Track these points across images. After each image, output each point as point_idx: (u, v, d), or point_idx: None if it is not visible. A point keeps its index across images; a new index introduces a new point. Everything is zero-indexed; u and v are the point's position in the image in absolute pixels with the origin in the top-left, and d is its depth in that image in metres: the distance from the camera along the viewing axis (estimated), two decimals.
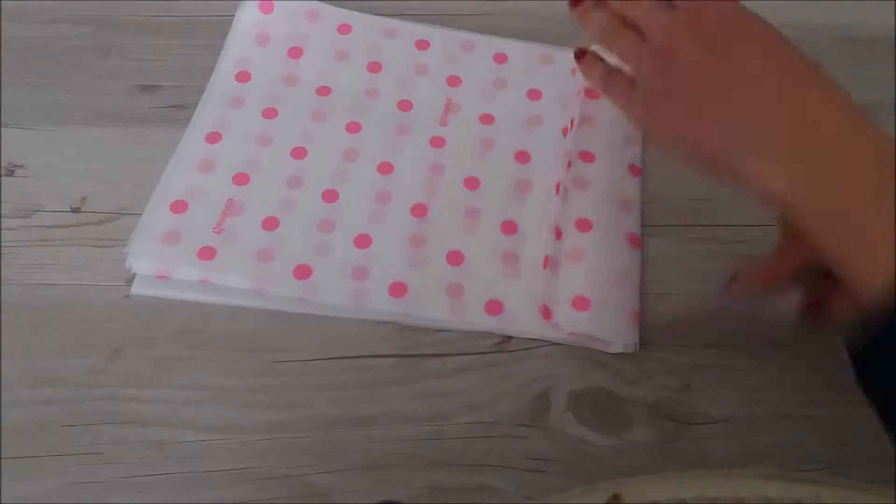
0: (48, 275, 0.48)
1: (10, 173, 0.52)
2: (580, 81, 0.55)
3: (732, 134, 0.37)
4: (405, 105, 0.55)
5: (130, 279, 0.48)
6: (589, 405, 0.45)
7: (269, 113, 0.54)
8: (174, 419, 0.44)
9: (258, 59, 0.57)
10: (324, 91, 0.56)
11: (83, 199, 0.51)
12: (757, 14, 0.40)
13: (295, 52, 0.57)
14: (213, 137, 0.53)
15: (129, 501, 0.41)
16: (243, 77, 0.56)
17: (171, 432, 0.43)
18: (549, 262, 0.48)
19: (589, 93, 0.56)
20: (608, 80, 0.43)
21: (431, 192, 0.51)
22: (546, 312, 0.47)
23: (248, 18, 0.58)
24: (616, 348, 0.46)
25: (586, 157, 0.53)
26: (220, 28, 0.59)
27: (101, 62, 0.57)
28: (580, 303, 0.47)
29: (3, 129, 0.54)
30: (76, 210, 0.51)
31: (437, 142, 0.54)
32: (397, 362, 0.46)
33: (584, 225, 0.50)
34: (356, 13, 0.59)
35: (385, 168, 0.52)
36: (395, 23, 0.59)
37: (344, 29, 0.59)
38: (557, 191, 0.51)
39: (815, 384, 0.45)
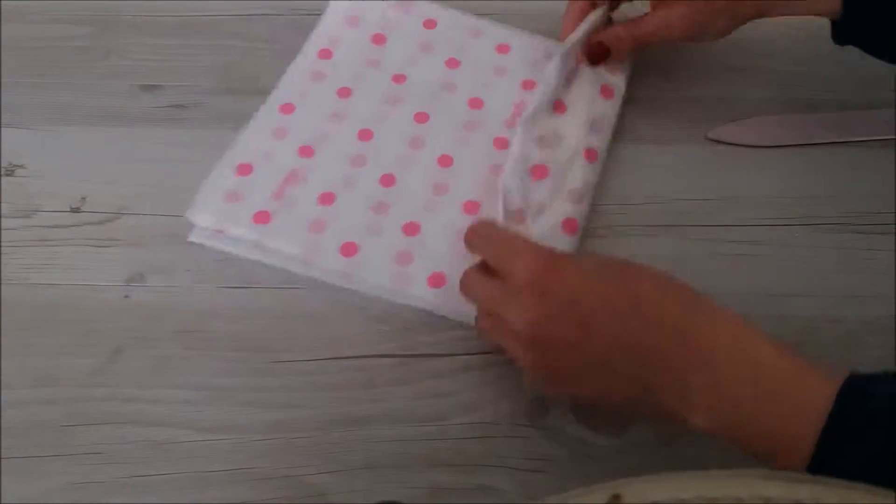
0: (48, 275, 0.48)
1: (10, 173, 0.52)
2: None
3: (645, 389, 0.37)
4: (476, 103, 0.56)
5: (130, 279, 0.48)
6: (589, 405, 0.45)
7: (345, 92, 0.55)
8: (174, 419, 0.44)
9: (344, 39, 0.58)
10: (400, 79, 0.56)
11: (83, 199, 0.51)
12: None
13: (379, 39, 0.58)
14: (287, 108, 0.54)
15: (128, 501, 0.41)
16: (326, 54, 0.57)
17: (171, 432, 0.43)
18: None
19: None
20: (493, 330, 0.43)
21: (487, 191, 0.52)
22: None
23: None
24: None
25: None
26: (219, 27, 0.59)
27: (101, 62, 0.57)
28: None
29: (3, 129, 0.54)
30: (76, 210, 0.51)
31: (501, 143, 0.54)
32: (397, 362, 0.46)
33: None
34: (445, 10, 0.60)
35: (446, 161, 0.53)
36: (481, 23, 0.60)
37: (430, 24, 0.59)
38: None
39: None
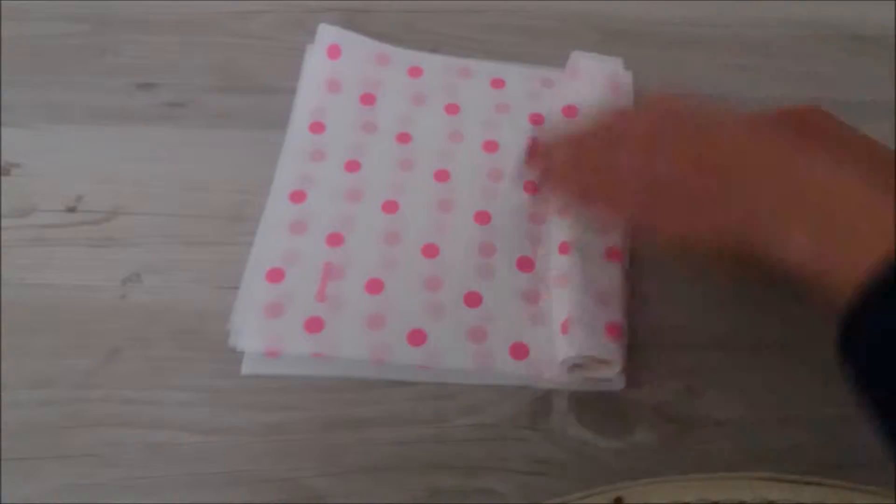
0: (44, 275, 0.48)
1: (6, 172, 0.52)
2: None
3: (749, 211, 0.38)
4: (491, 146, 0.53)
5: (127, 279, 0.48)
6: (591, 407, 0.45)
7: (353, 165, 0.52)
8: (171, 421, 0.43)
9: (331, 108, 0.55)
10: (404, 138, 0.54)
11: (79, 198, 0.51)
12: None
13: (368, 99, 0.55)
14: (298, 196, 0.50)
15: (126, 502, 0.41)
16: (317, 128, 0.54)
17: (169, 434, 0.43)
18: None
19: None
20: (582, 180, 0.44)
21: (536, 241, 0.50)
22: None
23: (316, 65, 0.56)
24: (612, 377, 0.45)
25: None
26: (216, 24, 0.59)
27: (98, 60, 0.57)
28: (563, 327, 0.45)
29: None
30: (72, 209, 0.50)
31: (531, 186, 0.51)
32: None
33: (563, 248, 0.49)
34: (426, 54, 0.58)
35: (482, 217, 0.50)
36: (469, 62, 0.58)
37: (415, 72, 0.57)
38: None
39: (818, 386, 0.45)
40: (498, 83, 0.57)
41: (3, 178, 0.51)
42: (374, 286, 0.47)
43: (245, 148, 0.53)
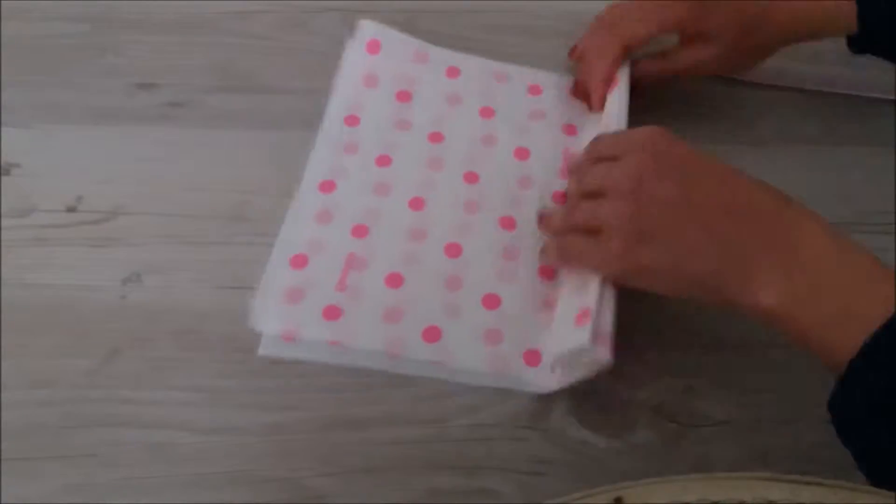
0: (44, 275, 0.48)
1: (6, 172, 0.52)
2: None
3: (728, 260, 0.39)
4: (522, 153, 0.53)
5: (126, 279, 0.48)
6: (591, 407, 0.45)
7: (384, 160, 0.52)
8: (171, 421, 0.43)
9: (367, 103, 0.55)
10: (437, 137, 0.54)
11: (79, 198, 0.51)
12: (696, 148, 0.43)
13: (404, 96, 0.55)
14: (327, 186, 0.51)
15: (126, 503, 0.41)
16: (353, 121, 0.54)
17: (169, 434, 0.43)
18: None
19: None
20: (568, 245, 0.45)
21: None
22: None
23: (355, 60, 0.56)
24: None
25: None
26: (216, 25, 0.59)
27: (98, 60, 0.57)
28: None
29: None
30: (72, 209, 0.50)
31: (559, 197, 0.52)
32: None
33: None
34: (465, 55, 0.58)
35: (507, 223, 0.50)
36: (507, 67, 0.58)
37: (453, 72, 0.57)
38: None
39: (818, 386, 0.45)
40: (535, 90, 0.57)
41: (3, 178, 0.51)
42: (395, 280, 0.47)
43: (245, 148, 0.53)
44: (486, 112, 0.55)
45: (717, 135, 0.56)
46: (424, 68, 0.57)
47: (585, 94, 0.55)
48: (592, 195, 0.44)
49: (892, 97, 0.57)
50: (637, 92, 0.54)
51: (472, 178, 0.52)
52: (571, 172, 0.49)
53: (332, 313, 0.46)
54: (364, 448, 0.43)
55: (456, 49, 0.59)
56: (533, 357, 0.45)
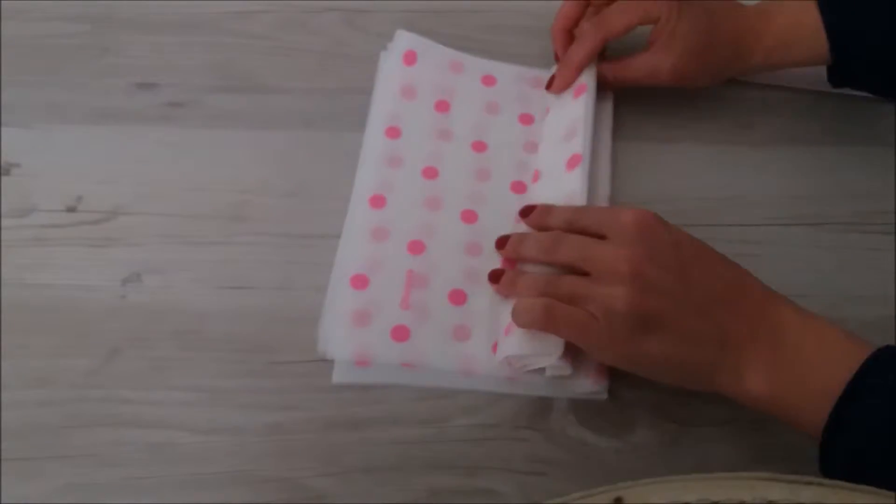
0: (44, 275, 0.48)
1: (6, 172, 0.52)
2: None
3: (721, 351, 0.40)
4: (574, 160, 0.51)
5: (126, 279, 0.48)
6: (591, 407, 0.45)
7: (430, 172, 0.52)
8: (171, 421, 0.43)
9: (407, 114, 0.54)
10: (480, 146, 0.53)
11: (79, 198, 0.51)
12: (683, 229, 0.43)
13: (443, 106, 0.55)
14: (377, 201, 0.50)
15: (126, 503, 0.41)
16: (394, 133, 0.53)
17: (169, 434, 0.43)
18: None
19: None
20: (559, 312, 0.42)
21: None
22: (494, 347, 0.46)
23: (392, 72, 0.56)
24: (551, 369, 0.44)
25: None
26: (216, 24, 0.59)
27: (97, 60, 0.57)
28: (508, 327, 0.44)
29: None
30: (72, 209, 0.50)
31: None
32: None
33: None
34: (499, 63, 0.57)
35: None
36: (541, 73, 0.57)
37: (489, 80, 0.57)
38: None
39: None
40: (580, 89, 0.55)
41: (3, 178, 0.51)
42: (458, 297, 0.47)
43: (245, 148, 0.53)
44: (526, 119, 0.55)
45: (717, 135, 0.56)
46: (460, 78, 0.57)
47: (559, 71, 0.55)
48: (572, 268, 0.43)
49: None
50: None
51: (519, 188, 0.52)
52: (533, 220, 0.47)
53: (400, 334, 0.46)
54: (364, 448, 0.43)
55: (456, 49, 0.59)
56: (602, 373, 0.45)
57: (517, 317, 0.42)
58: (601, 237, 0.43)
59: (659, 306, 0.40)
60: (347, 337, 0.45)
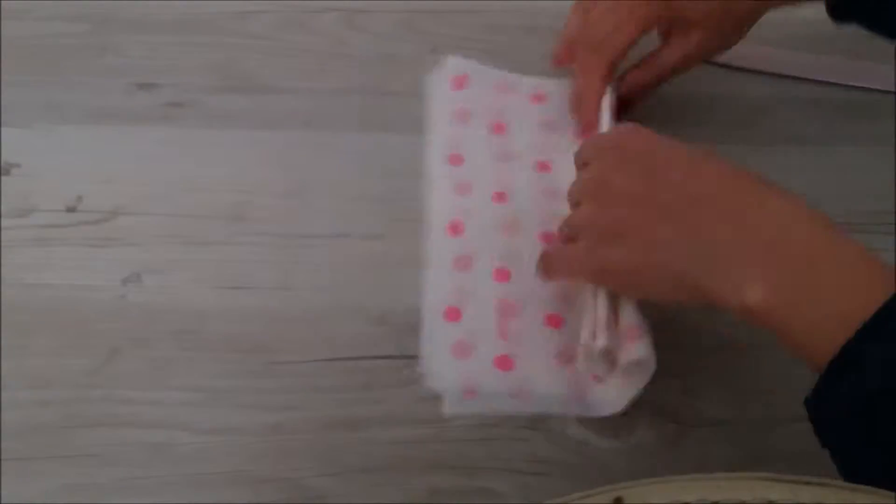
0: (44, 275, 0.48)
1: (6, 172, 0.52)
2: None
3: (703, 255, 0.37)
4: None
5: (126, 279, 0.48)
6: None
7: (501, 197, 0.52)
8: (171, 421, 0.43)
9: (465, 139, 0.54)
10: (545, 167, 0.53)
11: (79, 198, 0.51)
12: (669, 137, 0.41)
13: (499, 128, 0.55)
14: (455, 229, 0.50)
15: (126, 503, 0.41)
16: (457, 160, 0.53)
17: (168, 434, 0.43)
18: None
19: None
20: (546, 257, 0.43)
21: None
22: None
23: (443, 97, 0.56)
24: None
25: None
26: (216, 24, 0.59)
27: (97, 60, 0.57)
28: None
29: None
30: (72, 210, 0.50)
31: None
32: (396, 364, 0.46)
33: None
34: (546, 80, 0.57)
35: None
36: None
37: (539, 98, 0.56)
38: None
39: None
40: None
41: (3, 178, 0.51)
42: (554, 321, 0.47)
43: (245, 148, 0.54)
44: (580, 134, 0.54)
45: (717, 135, 0.56)
46: (511, 98, 0.56)
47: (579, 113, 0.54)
48: (575, 205, 0.44)
49: (893, 90, 0.57)
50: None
51: None
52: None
53: (504, 363, 0.45)
54: (364, 448, 0.43)
55: (456, 49, 0.59)
56: None
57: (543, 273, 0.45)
58: None
59: (618, 215, 0.39)
60: (452, 368, 0.45)
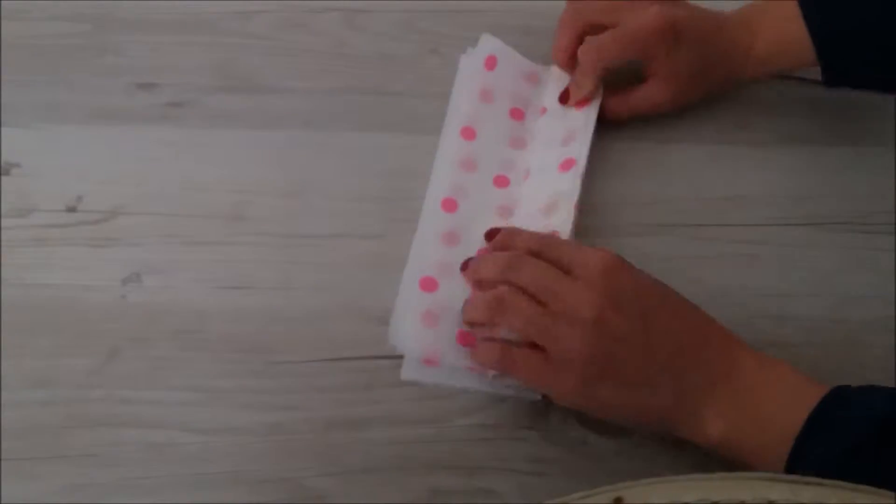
0: (44, 275, 0.48)
1: (6, 172, 0.52)
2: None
3: (679, 399, 0.40)
4: (566, 163, 0.51)
5: (127, 279, 0.48)
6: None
7: (502, 181, 0.52)
8: (171, 421, 0.43)
9: (483, 117, 0.54)
10: (554, 161, 0.52)
11: (79, 198, 0.51)
12: (650, 274, 0.43)
13: (517, 114, 0.55)
14: (449, 204, 0.50)
15: (126, 503, 0.41)
16: (469, 134, 0.53)
17: (168, 434, 0.43)
18: None
19: None
20: (514, 356, 0.42)
21: None
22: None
23: (473, 73, 0.56)
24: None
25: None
26: (216, 24, 0.59)
27: (97, 60, 0.57)
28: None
29: None
30: (72, 209, 0.50)
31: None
32: (396, 363, 0.46)
33: None
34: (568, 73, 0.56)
35: None
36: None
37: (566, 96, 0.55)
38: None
39: None
40: None
41: (3, 178, 0.51)
42: None
43: (245, 148, 0.53)
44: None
45: (717, 135, 0.56)
46: (536, 90, 0.56)
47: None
48: (529, 293, 0.42)
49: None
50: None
51: None
52: (498, 243, 0.47)
53: (466, 339, 0.45)
54: (364, 448, 0.43)
55: (456, 50, 0.59)
56: None
57: (475, 356, 0.43)
58: (566, 272, 0.42)
59: (616, 355, 0.40)
60: (416, 334, 0.45)
